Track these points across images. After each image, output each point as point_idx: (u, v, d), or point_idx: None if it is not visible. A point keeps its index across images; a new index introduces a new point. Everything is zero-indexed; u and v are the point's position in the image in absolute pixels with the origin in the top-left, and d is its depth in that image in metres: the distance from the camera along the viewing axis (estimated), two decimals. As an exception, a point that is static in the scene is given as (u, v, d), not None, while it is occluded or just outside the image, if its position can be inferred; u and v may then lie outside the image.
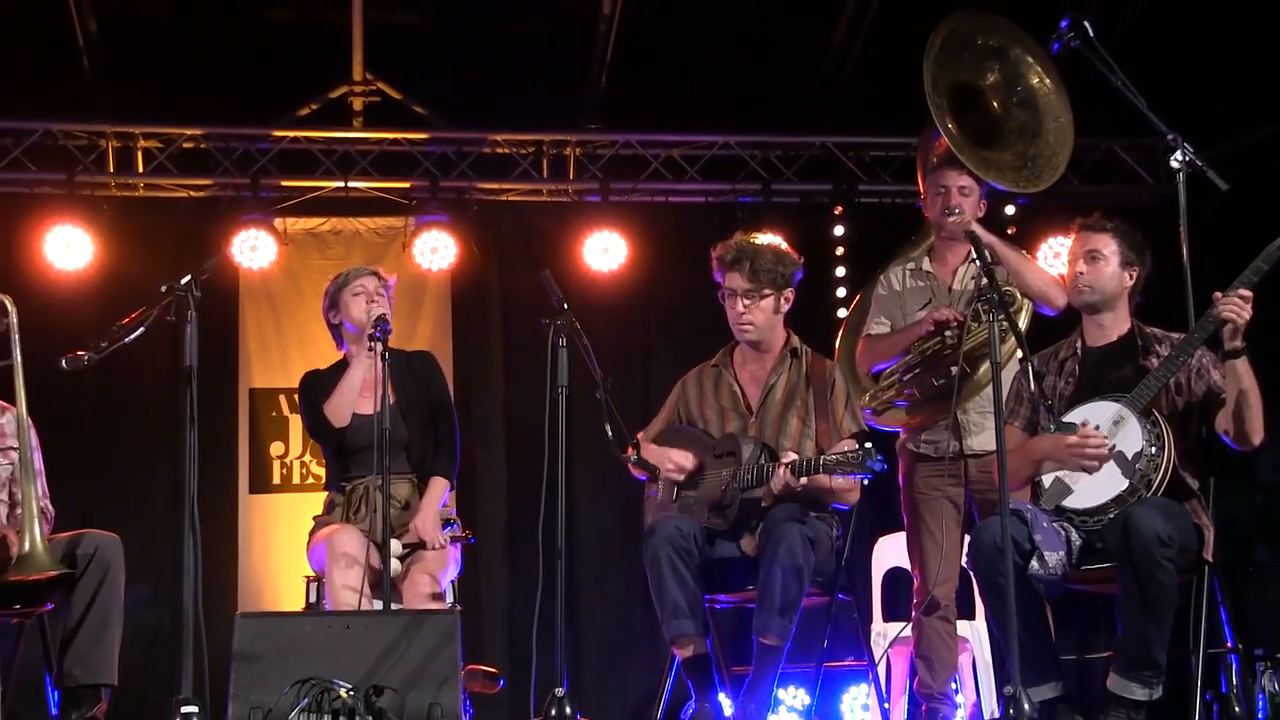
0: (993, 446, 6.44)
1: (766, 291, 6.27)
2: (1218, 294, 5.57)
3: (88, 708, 5.81)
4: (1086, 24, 6.39)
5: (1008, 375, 6.10)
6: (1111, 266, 5.91)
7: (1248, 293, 5.55)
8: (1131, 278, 5.94)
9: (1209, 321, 5.58)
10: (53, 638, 5.95)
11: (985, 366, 6.39)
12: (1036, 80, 6.97)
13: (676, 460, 6.26)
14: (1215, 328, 5.58)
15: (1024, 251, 6.86)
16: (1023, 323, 6.47)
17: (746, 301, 6.28)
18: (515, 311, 9.65)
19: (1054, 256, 9.33)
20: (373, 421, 6.20)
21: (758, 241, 6.48)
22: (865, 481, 6.13)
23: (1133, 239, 5.97)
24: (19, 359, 5.90)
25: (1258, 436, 5.62)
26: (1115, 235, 5.94)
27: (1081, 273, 5.93)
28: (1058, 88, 6.94)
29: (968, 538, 6.55)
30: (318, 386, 6.62)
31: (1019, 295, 6.49)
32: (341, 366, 6.58)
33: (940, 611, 6.56)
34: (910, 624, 6.70)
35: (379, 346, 6.18)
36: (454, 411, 6.73)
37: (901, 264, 6.85)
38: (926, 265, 6.77)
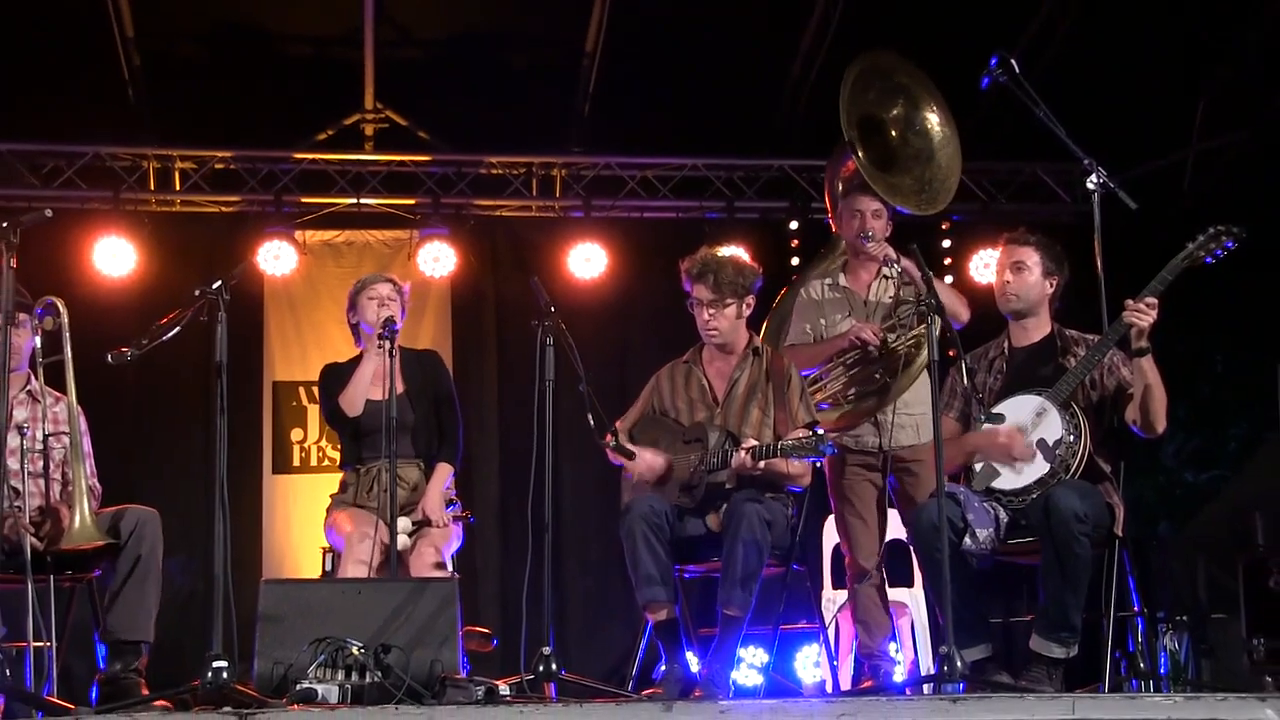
0: (906, 442, 6.52)
1: (729, 300, 6.26)
2: (1129, 300, 5.59)
3: (130, 660, 5.82)
4: (1013, 61, 6.41)
5: (923, 379, 6.17)
6: (1034, 276, 5.94)
7: (1153, 300, 5.58)
8: (1052, 286, 5.97)
9: (1120, 325, 5.61)
10: (100, 600, 5.95)
11: (914, 368, 6.43)
12: (930, 114, 6.97)
13: (650, 463, 6.25)
14: (1126, 330, 5.60)
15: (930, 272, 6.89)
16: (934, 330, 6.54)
17: (712, 310, 6.27)
18: (508, 314, 9.63)
19: (984, 267, 9.34)
20: (381, 407, 6.22)
21: (721, 255, 6.49)
22: (819, 464, 6.15)
23: (1053, 251, 6.00)
24: (69, 354, 5.89)
25: (1161, 425, 5.65)
26: (1038, 248, 5.97)
27: (1008, 281, 5.96)
28: (947, 121, 6.94)
29: (891, 513, 6.62)
30: (335, 378, 6.63)
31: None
32: (358, 360, 6.59)
33: (871, 579, 6.58)
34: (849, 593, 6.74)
35: (387, 345, 6.22)
36: (457, 404, 6.74)
37: (819, 278, 6.85)
38: (842, 280, 6.77)
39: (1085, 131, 6.43)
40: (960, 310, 6.52)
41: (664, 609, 5.98)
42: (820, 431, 5.93)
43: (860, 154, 6.68)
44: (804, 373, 6.55)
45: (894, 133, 6.99)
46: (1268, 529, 8.37)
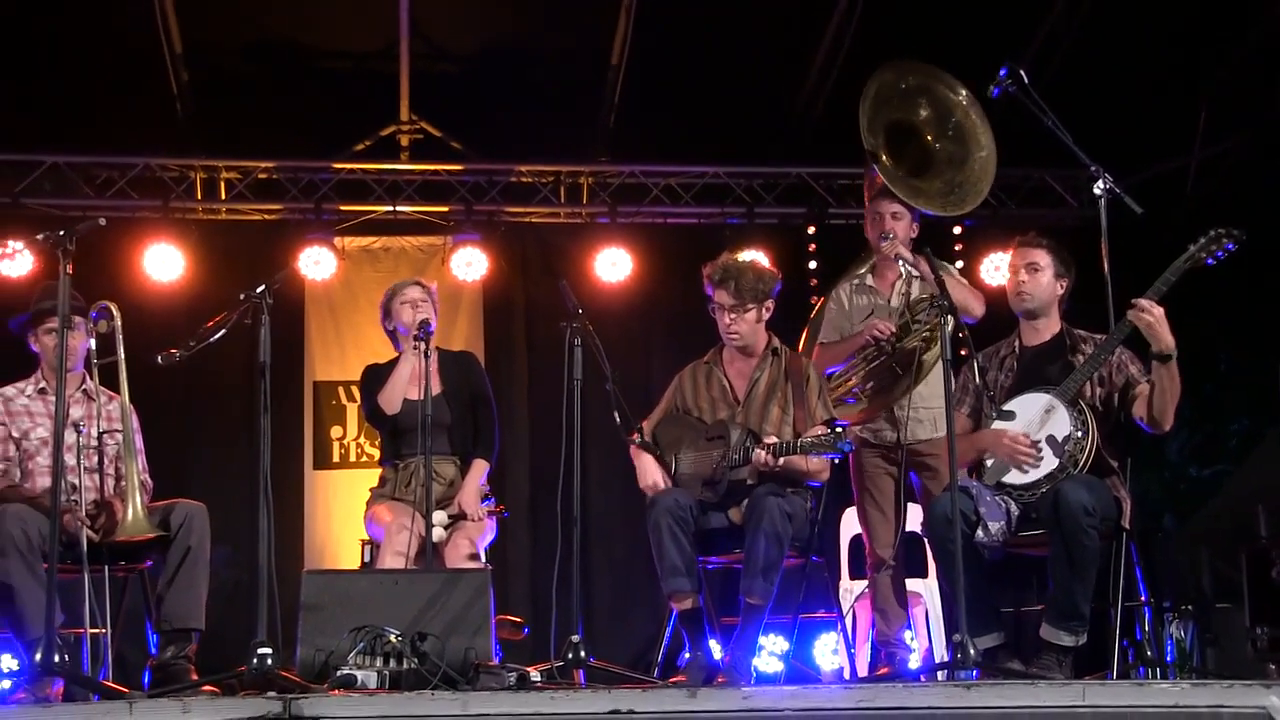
0: (923, 436, 6.50)
1: (749, 305, 6.27)
2: (1134, 300, 5.58)
3: (180, 647, 5.85)
4: (1022, 72, 6.40)
5: (937, 374, 6.16)
6: (1047, 277, 5.92)
7: (1144, 302, 5.54)
8: (1062, 287, 5.96)
9: (1126, 324, 5.60)
10: (151, 590, 5.98)
11: (925, 364, 6.41)
12: (961, 114, 6.94)
13: (651, 480, 6.25)
14: (1131, 330, 5.59)
15: (951, 269, 6.85)
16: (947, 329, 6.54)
17: (733, 314, 6.28)
18: (537, 316, 9.64)
19: (994, 270, 9.31)
20: (418, 406, 6.25)
21: (741, 262, 6.48)
22: (836, 460, 6.15)
23: (1063, 254, 5.99)
24: (122, 356, 5.93)
25: (1168, 423, 5.64)
26: (1049, 250, 5.96)
27: (1023, 281, 5.93)
28: (981, 120, 6.90)
29: (911, 506, 6.61)
30: (375, 378, 6.68)
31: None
32: (397, 362, 6.62)
33: (888, 568, 6.57)
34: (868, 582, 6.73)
35: (423, 346, 6.25)
36: (493, 404, 6.77)
37: (849, 281, 6.86)
38: (870, 281, 6.78)
39: (1091, 138, 6.42)
40: (974, 305, 6.51)
41: (688, 599, 5.99)
42: (839, 429, 5.94)
43: (886, 161, 6.67)
44: (830, 370, 6.56)
45: (929, 136, 6.97)
46: (1269, 521, 8.35)
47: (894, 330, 6.46)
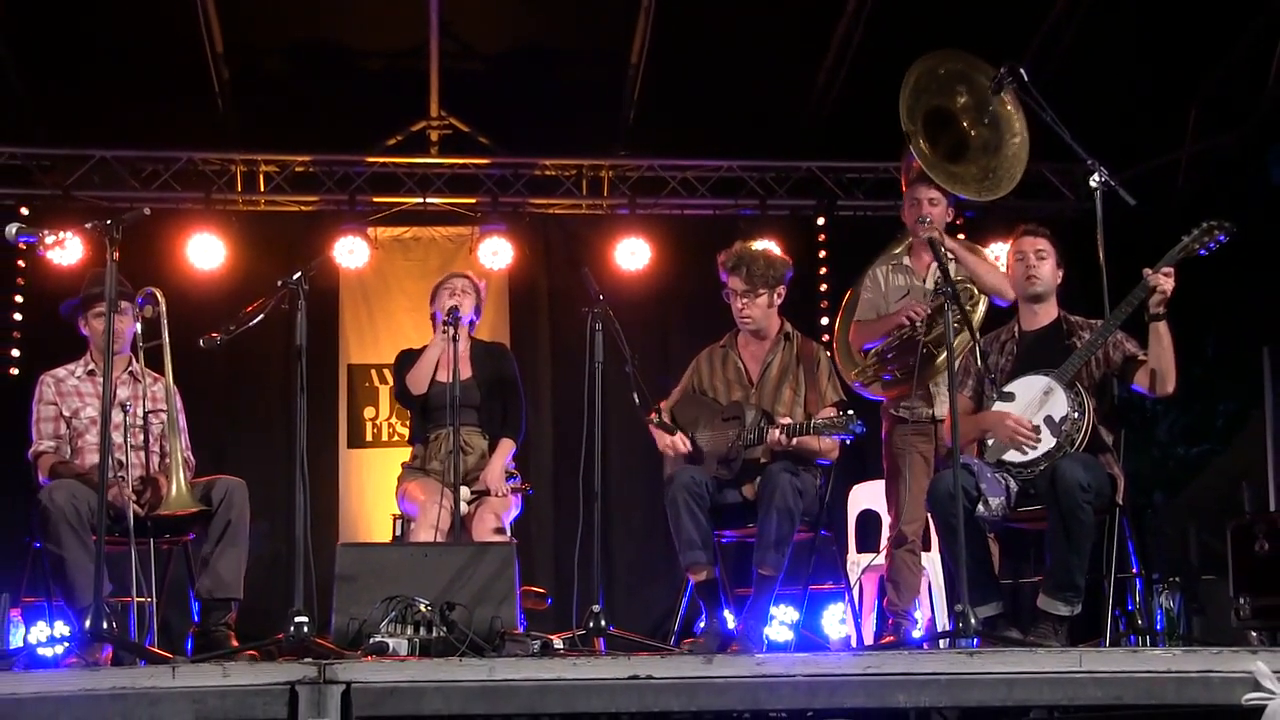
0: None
1: (761, 290, 6.25)
2: (1146, 270, 5.54)
3: (221, 615, 5.86)
4: (1022, 69, 6.34)
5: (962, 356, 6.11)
6: (1051, 263, 5.90)
7: (1169, 269, 5.54)
8: (1059, 276, 5.93)
9: (1122, 311, 5.57)
10: (194, 561, 5.99)
11: (956, 344, 6.35)
12: (998, 103, 6.82)
13: (673, 444, 6.25)
14: (1138, 304, 5.54)
15: (983, 253, 6.78)
16: (981, 309, 6.44)
17: (745, 299, 6.27)
18: (560, 302, 9.61)
19: (994, 260, 9.24)
20: (447, 388, 6.28)
21: (754, 249, 6.47)
22: (847, 441, 6.11)
23: (1060, 245, 5.96)
24: (167, 339, 5.93)
25: (1171, 386, 5.61)
26: (1052, 240, 5.93)
27: (1033, 266, 5.89)
28: (1016, 109, 6.80)
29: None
30: (407, 362, 6.73)
31: (976, 290, 6.45)
32: None
33: (908, 545, 6.51)
34: (880, 555, 6.68)
35: (451, 330, 6.28)
36: (522, 392, 6.79)
37: (886, 262, 6.76)
38: (906, 262, 6.71)
39: (1087, 134, 6.37)
40: (1006, 289, 6.39)
41: (704, 570, 5.98)
42: (850, 412, 5.92)
43: (923, 146, 6.58)
44: (867, 346, 6.51)
45: (965, 123, 6.84)
46: (1253, 497, 8.33)
47: (928, 312, 6.37)
